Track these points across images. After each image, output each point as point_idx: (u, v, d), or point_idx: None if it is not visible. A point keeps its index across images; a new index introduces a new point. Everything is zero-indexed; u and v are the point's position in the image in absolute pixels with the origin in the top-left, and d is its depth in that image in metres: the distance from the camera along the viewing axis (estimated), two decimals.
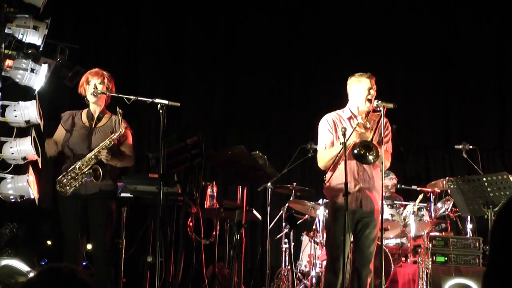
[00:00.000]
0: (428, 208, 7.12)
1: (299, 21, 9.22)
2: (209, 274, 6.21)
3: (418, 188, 7.55)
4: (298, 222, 7.20)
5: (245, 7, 9.10)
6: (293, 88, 9.28)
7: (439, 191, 7.20)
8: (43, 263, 6.40)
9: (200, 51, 8.87)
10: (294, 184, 7.40)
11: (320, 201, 6.96)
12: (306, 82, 9.24)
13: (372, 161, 5.02)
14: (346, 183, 4.88)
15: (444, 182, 6.85)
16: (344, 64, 8.94)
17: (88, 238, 5.40)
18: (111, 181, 5.29)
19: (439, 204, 7.12)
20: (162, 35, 8.77)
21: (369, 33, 9.14)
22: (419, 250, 7.07)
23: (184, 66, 8.82)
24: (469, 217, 6.99)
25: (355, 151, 4.99)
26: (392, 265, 6.94)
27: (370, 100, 5.18)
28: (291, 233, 6.83)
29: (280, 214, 7.47)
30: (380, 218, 5.12)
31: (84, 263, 5.62)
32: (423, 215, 7.02)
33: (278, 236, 7.65)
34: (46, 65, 5.36)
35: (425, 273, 6.69)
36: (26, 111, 5.26)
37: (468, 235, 6.98)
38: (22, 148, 5.25)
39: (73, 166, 5.15)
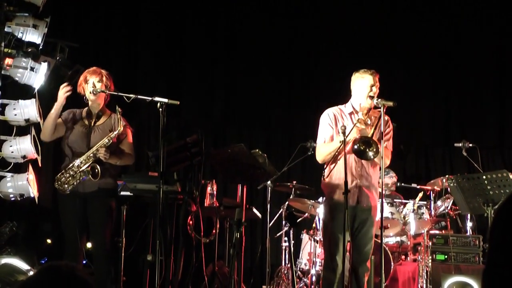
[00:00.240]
0: (428, 206, 7.12)
1: (299, 21, 9.22)
2: (209, 273, 6.21)
3: (418, 186, 7.55)
4: (298, 220, 7.21)
5: (245, 7, 9.09)
6: (293, 87, 9.29)
7: (439, 189, 7.21)
8: (43, 262, 6.40)
9: (200, 51, 8.86)
10: (294, 182, 7.40)
11: (320, 199, 6.96)
12: (306, 81, 9.24)
13: (372, 157, 5.02)
14: (346, 181, 4.89)
15: (444, 180, 6.86)
16: (344, 64, 8.92)
17: (88, 237, 5.40)
18: (110, 179, 5.29)
19: (439, 202, 7.12)
20: (162, 35, 8.76)
21: (369, 33, 9.13)
22: (419, 248, 7.07)
23: (184, 65, 8.82)
24: (469, 215, 7.00)
25: (355, 147, 4.99)
26: (392, 263, 6.94)
27: (371, 97, 5.19)
28: (291, 231, 6.86)
29: (280, 212, 7.47)
30: (378, 216, 5.12)
31: (84, 262, 5.62)
32: (423, 213, 7.02)
33: (278, 235, 7.64)
34: (46, 63, 5.37)
35: (425, 271, 6.70)
36: (26, 110, 5.27)
37: (468, 233, 6.99)
38: (21, 147, 5.26)
39: (71, 164, 5.16)
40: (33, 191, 5.29)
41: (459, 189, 5.85)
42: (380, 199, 5.15)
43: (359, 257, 5.19)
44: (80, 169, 5.13)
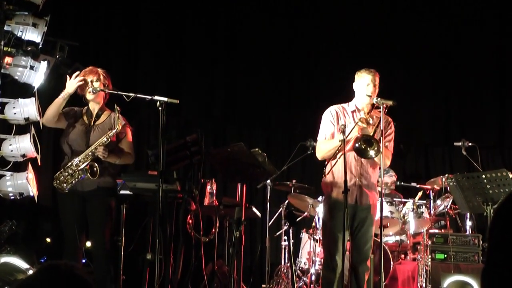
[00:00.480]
0: (428, 205, 7.12)
1: (299, 21, 9.21)
2: (208, 272, 6.22)
3: (418, 186, 7.55)
4: (298, 219, 7.21)
5: (245, 7, 9.09)
6: (293, 86, 9.28)
7: (438, 188, 7.21)
8: (43, 261, 6.40)
9: (200, 51, 8.86)
10: (294, 181, 7.40)
11: (320, 198, 6.96)
12: (306, 81, 9.24)
13: (373, 156, 5.02)
14: (345, 180, 4.89)
15: (444, 179, 6.86)
16: (344, 64, 8.93)
17: (87, 236, 5.40)
18: (109, 178, 5.29)
19: (438, 201, 7.12)
20: (162, 35, 8.76)
21: (369, 33, 9.13)
22: (418, 247, 7.08)
23: (184, 65, 8.82)
24: (468, 214, 7.00)
25: (357, 145, 5.00)
26: (392, 262, 6.95)
27: (369, 96, 5.20)
28: (291, 230, 6.86)
29: (279, 211, 7.48)
30: (377, 214, 5.12)
31: (83, 261, 5.63)
32: (422, 212, 7.03)
33: (277, 234, 7.65)
34: (46, 62, 5.36)
35: (424, 270, 6.70)
36: (26, 109, 5.26)
37: (468, 232, 6.99)
38: (21, 146, 5.25)
39: (70, 163, 5.16)
40: (33, 190, 5.29)
41: (459, 188, 5.85)
42: (380, 198, 5.15)
43: (359, 257, 5.19)
44: (79, 168, 5.13)
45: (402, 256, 7.34)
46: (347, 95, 5.54)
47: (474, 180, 5.78)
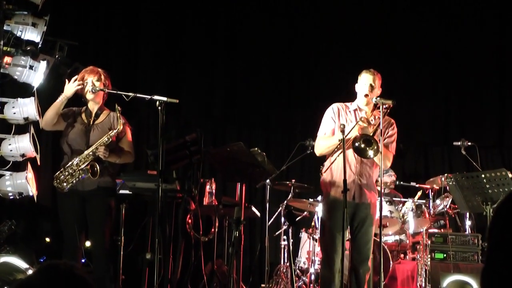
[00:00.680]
0: (427, 205, 7.12)
1: (299, 21, 9.21)
2: (208, 271, 6.22)
3: (417, 185, 7.56)
4: (297, 219, 7.21)
5: (245, 7, 9.09)
6: (292, 86, 9.28)
7: (438, 188, 7.21)
8: (42, 260, 6.40)
9: (200, 50, 8.86)
10: (293, 181, 7.40)
11: (319, 198, 6.96)
12: (305, 81, 9.24)
13: (372, 156, 5.02)
14: (345, 179, 4.88)
15: (443, 179, 6.86)
16: (344, 64, 8.95)
17: (87, 235, 5.40)
18: (109, 178, 5.29)
19: (437, 201, 7.12)
20: (162, 34, 8.76)
21: (369, 33, 9.13)
22: (418, 246, 7.08)
23: (183, 64, 8.81)
24: (467, 214, 7.00)
25: (356, 144, 5.00)
26: (391, 262, 6.95)
27: (366, 95, 5.22)
28: (290, 230, 6.86)
29: (279, 211, 7.48)
30: (377, 214, 5.12)
31: (83, 260, 5.63)
32: (422, 212, 7.03)
33: (277, 233, 7.65)
34: (45, 62, 5.37)
35: (424, 269, 6.70)
36: (25, 108, 5.27)
37: (467, 232, 6.99)
38: (20, 145, 5.26)
39: (70, 163, 5.15)
40: (32, 190, 5.30)
41: (458, 188, 5.85)
42: (379, 197, 5.15)
43: (359, 257, 5.19)
44: (79, 168, 5.13)
45: (402, 255, 7.35)
46: (347, 95, 5.54)
47: (474, 179, 5.78)
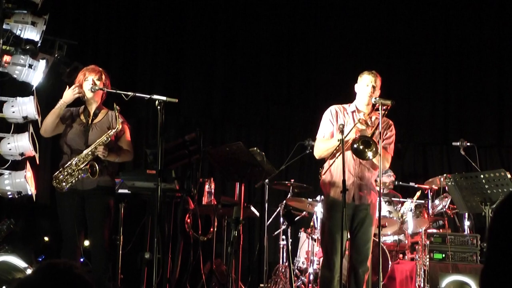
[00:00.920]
0: (426, 205, 7.12)
1: (299, 20, 9.21)
2: (206, 271, 6.21)
3: (416, 185, 7.55)
4: (296, 219, 7.21)
5: (244, 7, 9.08)
6: (292, 86, 9.27)
7: (436, 188, 7.21)
8: (41, 259, 6.40)
9: (199, 50, 8.85)
10: (292, 180, 7.40)
11: (318, 198, 6.96)
12: (305, 80, 9.23)
13: (370, 157, 5.02)
14: (344, 180, 4.89)
15: (442, 179, 6.86)
16: (344, 64, 8.96)
17: (86, 234, 5.39)
18: (108, 177, 5.29)
19: (436, 201, 7.12)
20: (161, 33, 8.75)
21: (369, 33, 9.14)
22: (416, 247, 7.07)
23: (183, 64, 8.81)
24: (466, 214, 7.00)
25: (355, 146, 5.00)
26: (390, 262, 6.95)
27: (368, 96, 5.22)
28: (289, 230, 6.85)
29: (277, 210, 7.48)
30: (376, 214, 5.12)
31: (81, 259, 5.62)
32: (420, 212, 7.03)
33: (275, 233, 7.65)
34: (44, 61, 5.36)
35: (422, 270, 6.70)
36: (24, 107, 5.26)
37: (466, 232, 6.99)
38: (19, 144, 5.26)
39: (69, 162, 5.15)
40: (31, 189, 5.29)
41: (457, 188, 5.86)
42: (378, 197, 5.15)
43: (358, 257, 5.19)
44: (78, 168, 5.12)
45: (400, 255, 7.34)
46: (346, 95, 5.54)
47: (472, 180, 5.79)
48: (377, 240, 5.36)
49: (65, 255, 5.11)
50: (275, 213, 7.54)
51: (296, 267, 7.31)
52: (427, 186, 7.30)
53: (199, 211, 5.73)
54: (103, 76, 5.32)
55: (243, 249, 6.11)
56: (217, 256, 6.72)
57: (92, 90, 5.26)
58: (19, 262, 5.02)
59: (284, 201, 7.31)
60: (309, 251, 7.07)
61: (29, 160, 5.38)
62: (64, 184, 5.14)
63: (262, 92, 9.02)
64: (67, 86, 5.30)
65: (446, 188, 6.47)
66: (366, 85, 5.24)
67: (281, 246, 7.42)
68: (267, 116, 9.12)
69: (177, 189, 5.38)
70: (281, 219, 7.36)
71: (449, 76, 9.35)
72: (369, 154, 5.00)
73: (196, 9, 8.93)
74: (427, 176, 8.06)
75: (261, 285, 7.52)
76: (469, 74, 9.26)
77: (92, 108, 5.38)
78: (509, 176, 5.66)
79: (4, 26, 5.22)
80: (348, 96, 5.51)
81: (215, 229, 6.33)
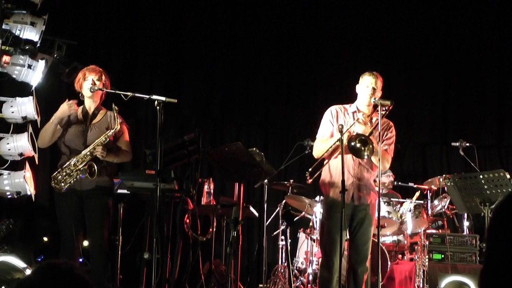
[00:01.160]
0: (425, 206, 7.12)
1: (299, 20, 9.21)
2: (205, 271, 6.21)
3: (415, 186, 7.56)
4: (295, 219, 7.21)
5: (244, 6, 9.08)
6: (291, 86, 9.28)
7: (436, 188, 7.21)
8: (40, 260, 6.39)
9: (198, 50, 8.85)
10: (291, 181, 7.41)
11: (317, 198, 6.97)
12: (304, 80, 9.23)
13: (367, 156, 5.03)
14: (343, 180, 4.89)
15: (441, 180, 6.86)
16: (344, 64, 8.96)
17: (85, 235, 5.39)
18: (107, 178, 5.29)
19: (436, 202, 7.13)
20: (161, 33, 8.75)
21: (369, 33, 9.14)
22: (415, 247, 7.08)
23: (182, 64, 8.81)
24: (465, 214, 7.00)
25: (352, 144, 5.00)
26: (389, 262, 6.95)
27: (369, 96, 5.22)
28: (288, 230, 6.85)
29: (277, 211, 7.48)
30: (375, 214, 5.13)
31: (80, 260, 5.62)
32: (420, 212, 7.03)
33: (274, 233, 7.65)
34: (44, 61, 5.35)
35: (421, 270, 6.70)
36: (23, 107, 5.26)
37: (465, 233, 6.99)
38: (19, 144, 5.25)
39: (68, 163, 5.15)
40: (30, 189, 5.29)
41: (456, 188, 5.86)
42: (378, 198, 5.16)
43: (357, 257, 5.19)
44: (77, 168, 5.12)
45: (400, 256, 7.35)
46: (346, 95, 5.54)
47: (472, 180, 5.79)
48: (376, 240, 5.36)
49: (64, 256, 5.11)
50: (274, 213, 7.54)
51: (295, 267, 7.31)
52: (426, 187, 7.31)
53: (198, 211, 5.72)
54: (103, 77, 5.32)
55: (242, 249, 6.10)
56: (216, 256, 6.72)
57: (92, 90, 5.25)
58: (18, 262, 5.02)
59: (283, 201, 7.31)
60: (308, 251, 7.08)
61: (28, 160, 5.38)
62: (62, 184, 5.14)
63: (261, 92, 9.02)
64: (66, 100, 5.27)
65: (445, 188, 6.48)
66: (367, 86, 5.24)
67: (280, 246, 7.42)
68: (266, 116, 9.12)
69: (176, 189, 5.37)
70: (280, 220, 7.36)
71: (449, 76, 9.36)
72: (366, 153, 5.01)
73: (196, 9, 8.93)
74: (426, 177, 8.07)
75: (260, 285, 7.52)
76: (468, 74, 9.26)
77: (91, 108, 5.38)
78: (508, 176, 5.67)
79: (3, 26, 5.21)
80: (348, 96, 5.51)
81: (214, 229, 6.33)
